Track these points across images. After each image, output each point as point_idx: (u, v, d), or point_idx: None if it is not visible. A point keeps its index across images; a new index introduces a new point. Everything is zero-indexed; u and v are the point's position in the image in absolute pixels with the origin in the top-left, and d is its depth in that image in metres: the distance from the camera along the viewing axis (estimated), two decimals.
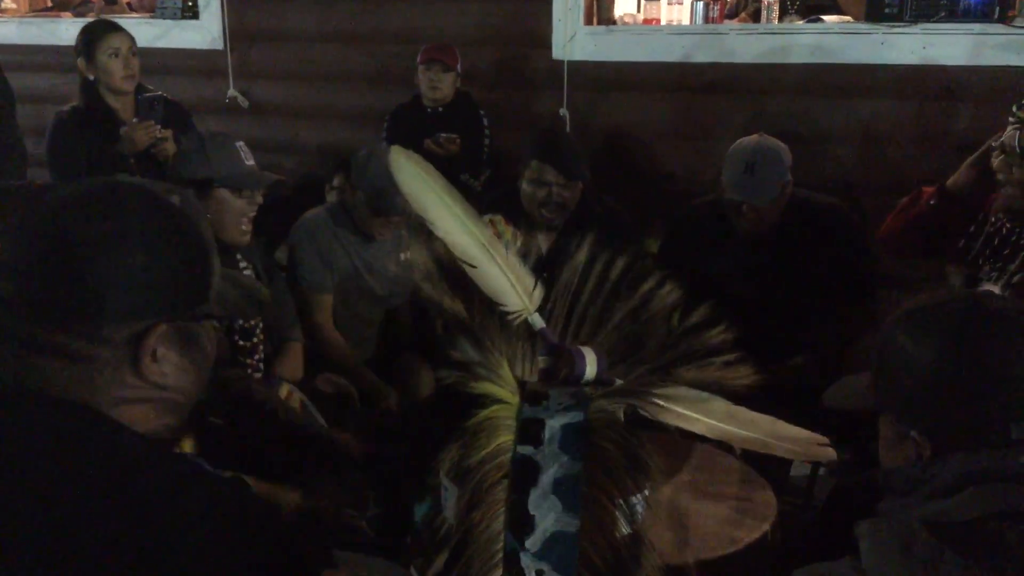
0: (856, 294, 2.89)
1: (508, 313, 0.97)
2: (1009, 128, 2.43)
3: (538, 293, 0.99)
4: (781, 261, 2.85)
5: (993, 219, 2.52)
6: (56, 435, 0.89)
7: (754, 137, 2.89)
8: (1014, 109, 2.43)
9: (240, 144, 2.56)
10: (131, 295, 0.92)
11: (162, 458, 0.97)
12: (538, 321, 0.98)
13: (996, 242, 2.47)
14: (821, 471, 2.92)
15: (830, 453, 0.98)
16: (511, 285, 0.98)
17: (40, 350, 0.91)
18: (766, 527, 2.00)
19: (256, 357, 2.56)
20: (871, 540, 1.18)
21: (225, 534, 0.93)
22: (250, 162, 2.55)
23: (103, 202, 0.96)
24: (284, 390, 2.51)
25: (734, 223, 2.87)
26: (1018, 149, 2.37)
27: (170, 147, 3.18)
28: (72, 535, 0.84)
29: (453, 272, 0.99)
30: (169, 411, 0.99)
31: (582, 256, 1.02)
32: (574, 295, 1.01)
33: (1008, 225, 2.45)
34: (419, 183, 1.01)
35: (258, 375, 2.53)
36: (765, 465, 2.21)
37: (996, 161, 2.43)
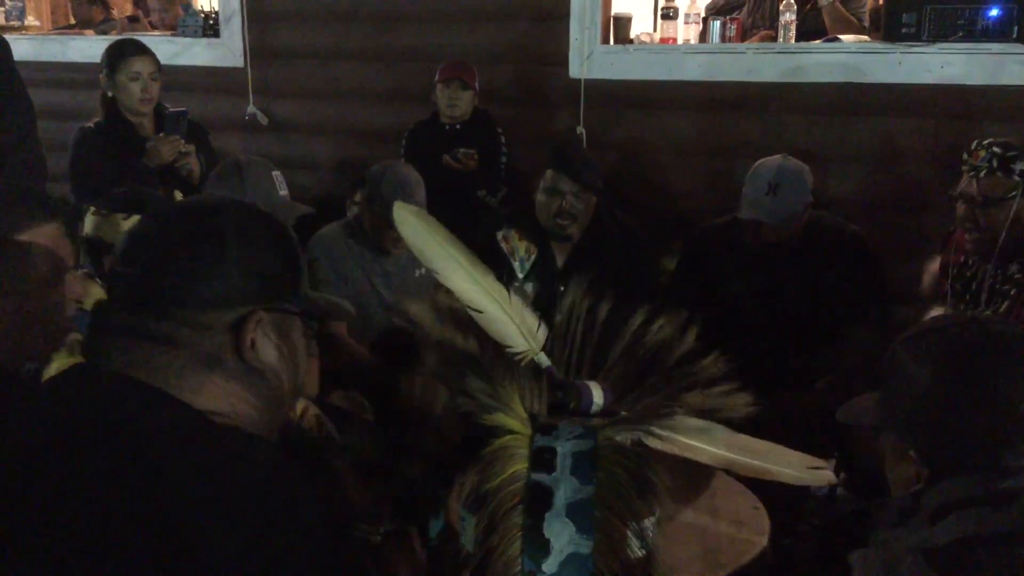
0: (866, 322, 2.86)
1: (515, 354, 1.02)
2: (964, 177, 2.44)
3: (542, 333, 1.05)
4: (796, 284, 2.85)
5: (969, 261, 2.55)
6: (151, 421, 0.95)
7: (777, 157, 2.89)
8: (965, 156, 2.45)
9: (276, 173, 2.61)
10: (228, 283, 1.01)
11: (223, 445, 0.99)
12: (544, 360, 1.02)
13: (973, 286, 2.50)
14: (839, 491, 2.91)
15: (828, 476, 1.01)
16: (516, 327, 1.03)
17: (146, 337, 0.99)
18: (765, 542, 2.00)
19: None
20: (860, 569, 1.22)
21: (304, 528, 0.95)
22: (284, 192, 2.59)
23: (203, 207, 1.10)
24: (300, 405, 2.52)
25: (750, 241, 2.87)
26: (978, 197, 2.39)
27: (193, 162, 3.23)
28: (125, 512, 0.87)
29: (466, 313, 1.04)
30: (261, 398, 1.06)
31: (582, 297, 1.07)
32: (580, 333, 1.06)
33: (983, 267, 2.49)
34: (423, 236, 1.07)
35: None
36: (783, 485, 2.21)
37: (960, 211, 2.45)
